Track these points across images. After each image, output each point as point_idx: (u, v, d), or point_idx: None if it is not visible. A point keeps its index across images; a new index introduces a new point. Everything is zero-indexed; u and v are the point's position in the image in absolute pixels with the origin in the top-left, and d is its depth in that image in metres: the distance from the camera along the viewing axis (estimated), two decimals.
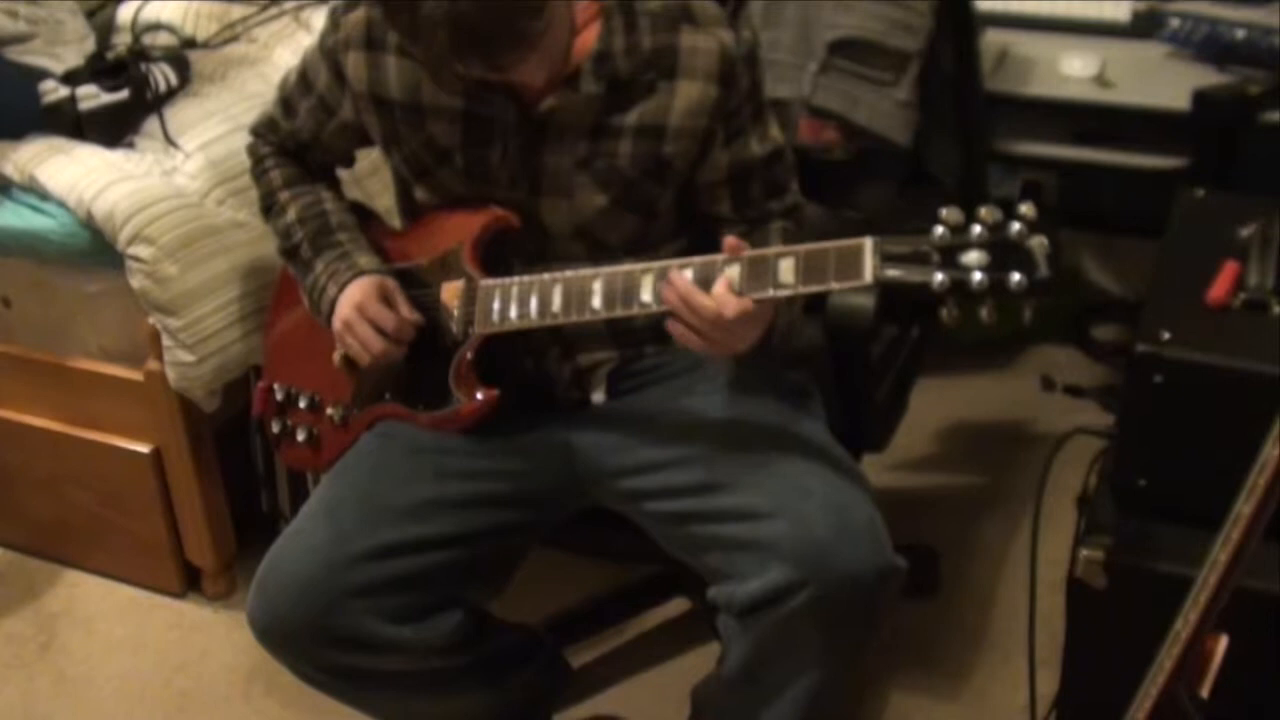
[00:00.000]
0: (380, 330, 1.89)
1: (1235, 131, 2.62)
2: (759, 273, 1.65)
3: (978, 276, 1.53)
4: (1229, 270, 1.86)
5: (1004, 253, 1.54)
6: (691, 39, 1.81)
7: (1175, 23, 2.70)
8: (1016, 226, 1.53)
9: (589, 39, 1.80)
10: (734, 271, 1.66)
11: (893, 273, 1.58)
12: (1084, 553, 1.87)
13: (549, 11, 1.67)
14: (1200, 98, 2.54)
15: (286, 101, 2.04)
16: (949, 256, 1.55)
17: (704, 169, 1.87)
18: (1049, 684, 2.06)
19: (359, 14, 1.89)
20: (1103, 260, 3.35)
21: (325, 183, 2.09)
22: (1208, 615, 1.44)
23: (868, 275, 1.59)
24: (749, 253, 1.66)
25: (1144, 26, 2.78)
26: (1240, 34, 2.63)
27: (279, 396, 2.12)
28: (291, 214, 2.03)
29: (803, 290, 1.64)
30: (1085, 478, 1.97)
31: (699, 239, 1.91)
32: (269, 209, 2.07)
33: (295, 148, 2.06)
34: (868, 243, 1.60)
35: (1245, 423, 1.42)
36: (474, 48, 1.64)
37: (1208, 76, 2.62)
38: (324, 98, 1.98)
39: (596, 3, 1.81)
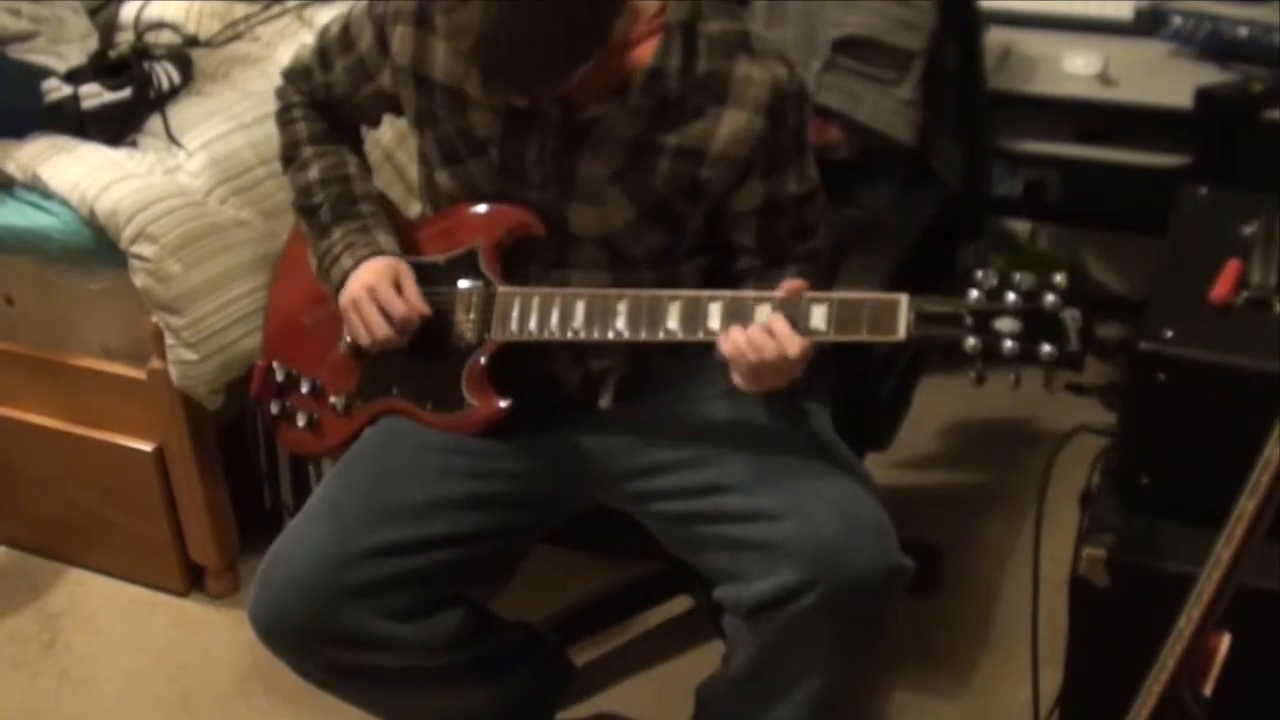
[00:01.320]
0: (386, 316, 1.88)
1: (1238, 129, 2.62)
2: (792, 317, 1.66)
3: (1009, 344, 1.57)
4: (1231, 268, 1.86)
5: (1036, 322, 1.57)
6: (746, 68, 1.79)
7: (1178, 20, 2.70)
8: (1051, 298, 1.56)
9: (645, 53, 1.78)
10: (765, 311, 1.67)
11: (925, 331, 1.60)
12: (1087, 551, 1.86)
13: (598, 51, 1.67)
14: (1203, 96, 2.53)
15: (324, 53, 2.01)
16: (982, 321, 1.58)
17: (737, 197, 1.85)
18: (1052, 682, 2.05)
19: None
20: (1105, 258, 3.35)
21: (350, 145, 2.06)
22: (1211, 613, 1.44)
23: (901, 333, 1.61)
24: (782, 295, 1.68)
25: (1147, 24, 2.77)
26: (1243, 32, 2.63)
27: (279, 377, 2.10)
28: (314, 172, 2.00)
29: (834, 339, 1.66)
30: (1088, 476, 1.96)
31: (721, 257, 1.92)
32: (290, 160, 2.04)
33: (326, 101, 2.04)
34: (903, 300, 1.62)
35: (1248, 421, 1.42)
36: (509, 79, 1.67)
37: (1210, 74, 2.62)
38: (364, 60, 1.95)
39: (659, 18, 1.78)
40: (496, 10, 1.59)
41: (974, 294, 1.58)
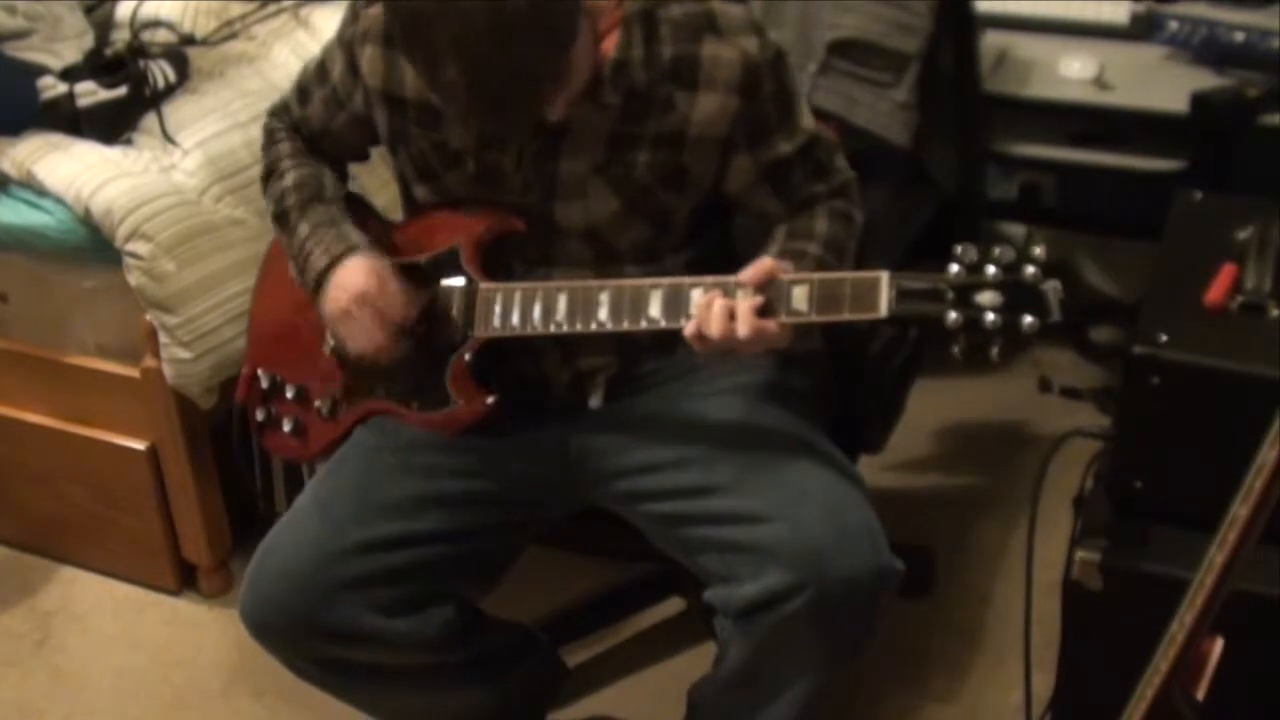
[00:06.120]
0: (379, 321, 1.86)
1: (1233, 134, 2.63)
2: (771, 299, 1.66)
3: (990, 317, 1.56)
4: (1226, 273, 1.86)
5: (1018, 294, 1.56)
6: (714, 49, 1.77)
7: (1174, 25, 2.70)
8: (1031, 269, 1.55)
9: (608, 47, 1.77)
10: (745, 293, 1.66)
11: (907, 307, 1.59)
12: (1080, 554, 1.87)
13: (569, 70, 1.66)
14: (1198, 100, 2.54)
15: (303, 89, 2.02)
16: (963, 295, 1.57)
17: (730, 176, 1.84)
18: (1044, 685, 2.06)
19: (379, 9, 1.84)
20: (1100, 262, 3.35)
21: (331, 166, 2.04)
22: (1203, 618, 1.44)
23: (883, 309, 1.60)
24: (758, 277, 1.66)
25: (1143, 29, 2.78)
26: (1239, 37, 2.63)
27: (264, 384, 2.09)
28: (289, 179, 1.99)
29: (816, 319, 1.65)
30: (1082, 479, 1.97)
31: (707, 251, 1.91)
32: (269, 175, 2.03)
33: (307, 135, 2.03)
34: (884, 276, 1.61)
35: (1242, 425, 1.42)
36: (494, 113, 1.66)
37: (1206, 79, 2.62)
38: (336, 89, 1.95)
39: (618, 11, 1.77)
40: (468, 69, 1.58)
41: (954, 268, 1.58)
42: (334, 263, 1.88)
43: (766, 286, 1.66)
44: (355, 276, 1.87)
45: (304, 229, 1.93)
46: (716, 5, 1.81)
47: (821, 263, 1.78)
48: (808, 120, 1.87)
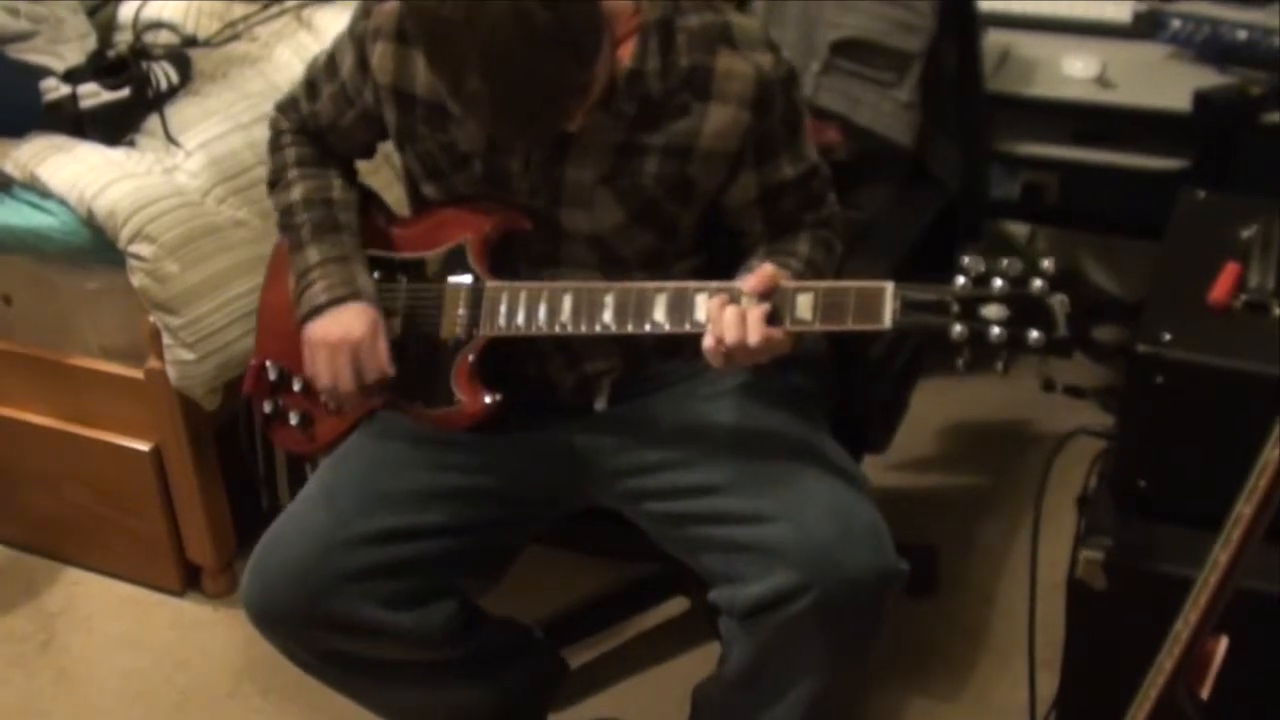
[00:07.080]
0: (358, 371, 1.88)
1: (1236, 132, 2.62)
2: (776, 306, 1.65)
3: (996, 330, 1.55)
4: (1230, 271, 1.86)
5: (1024, 308, 1.55)
6: (728, 62, 1.77)
7: (1177, 24, 2.70)
8: (1038, 283, 1.54)
9: (624, 55, 1.76)
10: (750, 301, 1.66)
11: (911, 319, 1.59)
12: (1084, 553, 1.86)
13: (592, 83, 1.66)
14: (1201, 99, 2.54)
15: (312, 83, 2.01)
16: (969, 308, 1.56)
17: (733, 191, 1.84)
18: (1049, 685, 2.05)
19: (392, 4, 1.84)
20: (1103, 261, 3.35)
21: (339, 170, 2.03)
22: (1208, 616, 1.44)
23: (886, 320, 1.59)
24: (765, 284, 1.66)
25: (1145, 27, 2.78)
26: (1242, 35, 2.63)
27: (271, 375, 2.08)
28: (297, 193, 1.98)
29: (820, 328, 1.65)
30: (1086, 478, 1.96)
31: (714, 258, 1.91)
32: (275, 183, 2.03)
33: (315, 130, 2.03)
34: (888, 288, 1.60)
35: (1246, 424, 1.42)
36: (517, 125, 1.66)
37: (1209, 77, 2.62)
38: (346, 85, 1.94)
39: (635, 18, 1.77)
40: (493, 81, 1.58)
41: (960, 281, 1.57)
42: (336, 301, 1.89)
43: (772, 294, 1.66)
44: (356, 321, 1.88)
45: (314, 255, 1.93)
46: (734, 18, 1.81)
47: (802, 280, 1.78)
48: (811, 149, 1.88)
